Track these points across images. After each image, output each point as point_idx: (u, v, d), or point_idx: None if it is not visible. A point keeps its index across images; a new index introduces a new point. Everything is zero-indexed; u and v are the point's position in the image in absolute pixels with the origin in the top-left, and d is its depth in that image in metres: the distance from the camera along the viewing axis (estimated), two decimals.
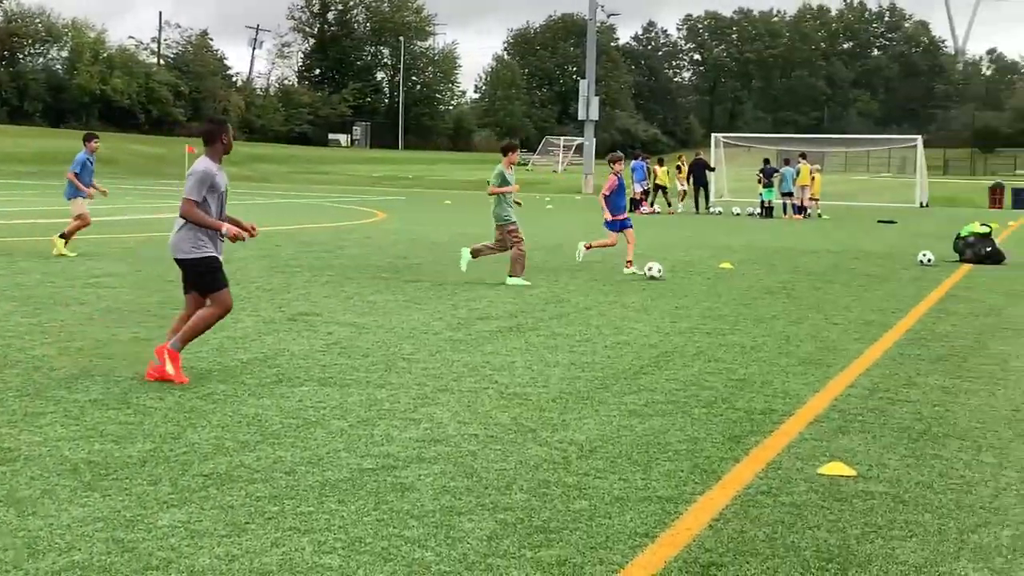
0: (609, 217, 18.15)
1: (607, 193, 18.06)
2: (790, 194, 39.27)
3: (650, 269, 16.96)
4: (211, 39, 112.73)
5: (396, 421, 7.64)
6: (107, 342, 10.46)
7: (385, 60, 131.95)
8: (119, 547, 5.08)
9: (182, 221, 8.88)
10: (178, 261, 9.03)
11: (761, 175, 40.22)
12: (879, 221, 35.47)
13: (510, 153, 16.63)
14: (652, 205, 39.79)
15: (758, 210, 39.31)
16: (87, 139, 18.74)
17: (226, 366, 9.44)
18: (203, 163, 8.86)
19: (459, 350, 10.49)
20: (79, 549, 5.04)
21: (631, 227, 18.26)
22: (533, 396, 8.53)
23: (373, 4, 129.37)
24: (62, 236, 18.05)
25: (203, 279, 8.97)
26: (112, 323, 11.57)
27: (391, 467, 6.50)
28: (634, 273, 17.43)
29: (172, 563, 4.91)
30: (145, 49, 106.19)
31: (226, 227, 8.90)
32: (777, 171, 40.08)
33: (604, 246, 18.49)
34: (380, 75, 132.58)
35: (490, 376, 9.27)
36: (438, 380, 9.07)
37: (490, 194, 16.52)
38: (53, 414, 7.57)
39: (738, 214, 39.86)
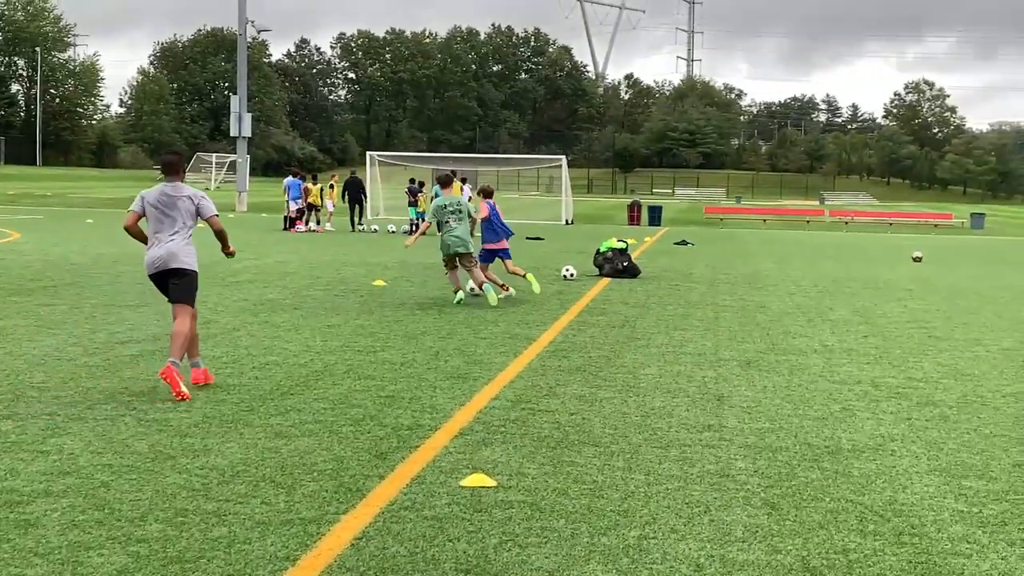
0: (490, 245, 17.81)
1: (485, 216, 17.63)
2: None
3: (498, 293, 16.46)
4: None
5: (23, 454, 7.17)
6: None
7: (20, 71, 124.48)
8: None
9: (190, 235, 9.77)
10: (180, 271, 9.65)
11: (408, 194, 41.01)
12: (528, 238, 36.73)
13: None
14: (307, 224, 39.49)
15: (407, 228, 39.95)
16: None
17: None
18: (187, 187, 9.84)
19: (96, 376, 9.98)
20: None
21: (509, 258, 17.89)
22: (174, 421, 8.24)
23: (6, 12, 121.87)
24: None
25: (195, 288, 9.84)
26: None
27: (15, 503, 6.09)
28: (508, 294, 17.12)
29: None
30: None
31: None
32: (422, 189, 40.87)
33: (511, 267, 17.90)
34: (15, 87, 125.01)
35: (129, 403, 8.88)
36: (71, 408, 8.59)
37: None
38: None
39: (393, 232, 40.32)
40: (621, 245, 22.22)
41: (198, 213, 9.71)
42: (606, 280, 20.98)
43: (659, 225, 50.62)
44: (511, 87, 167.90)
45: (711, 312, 16.21)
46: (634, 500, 6.50)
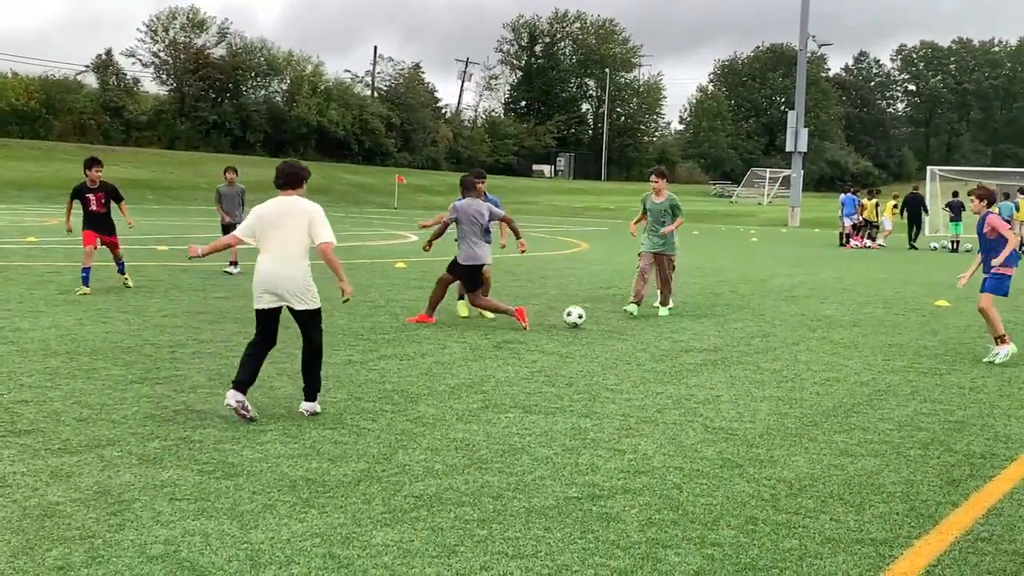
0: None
1: None
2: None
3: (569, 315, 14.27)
4: (423, 72, 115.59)
5: (601, 451, 7.66)
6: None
7: (590, 92, 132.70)
8: (335, 563, 5.25)
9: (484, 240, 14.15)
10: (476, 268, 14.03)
11: (948, 209, 39.09)
12: None
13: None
14: (863, 239, 38.77)
15: (946, 244, 38.30)
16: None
17: (435, 390, 9.65)
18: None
19: (663, 382, 10.44)
20: (297, 563, 5.24)
21: None
22: (739, 431, 8.42)
23: (580, 36, 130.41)
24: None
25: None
26: (326, 346, 11.93)
27: (596, 496, 6.52)
28: None
29: None
30: (359, 82, 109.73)
31: None
32: (964, 207, 38.84)
33: None
34: (585, 106, 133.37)
35: (695, 409, 9.20)
36: (642, 411, 9.04)
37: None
38: (273, 432, 7.90)
39: (935, 249, 38.64)
40: None
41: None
42: None
43: None
44: None
45: None
46: None
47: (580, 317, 14.12)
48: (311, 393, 8.60)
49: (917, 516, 6.33)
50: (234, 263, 19.96)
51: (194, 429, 7.91)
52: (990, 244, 12.46)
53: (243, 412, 8.16)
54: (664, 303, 15.98)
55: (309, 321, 8.61)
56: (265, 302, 8.49)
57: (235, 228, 21.58)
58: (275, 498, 6.26)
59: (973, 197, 12.71)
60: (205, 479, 6.62)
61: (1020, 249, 36.51)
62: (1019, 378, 11.27)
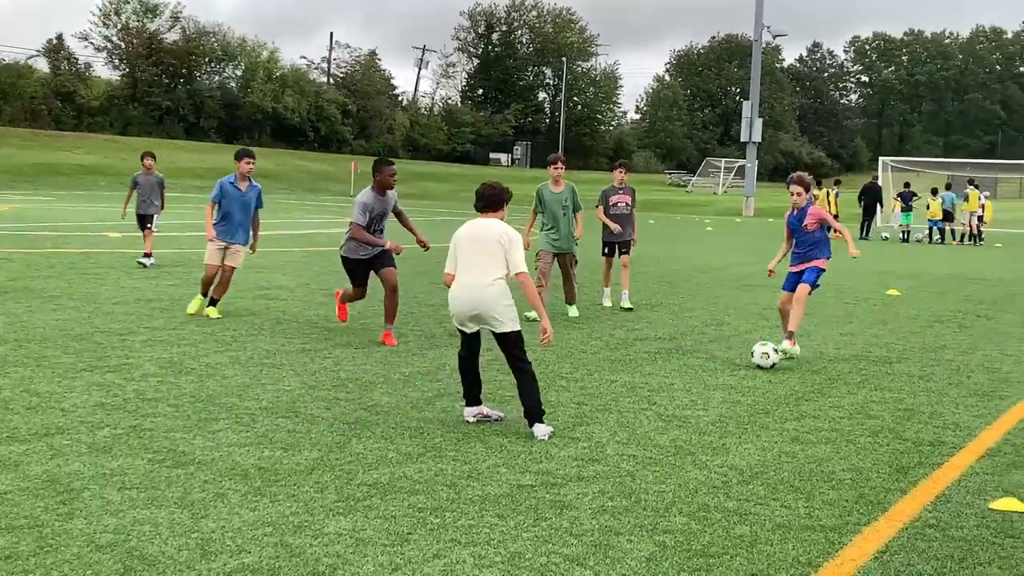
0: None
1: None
2: (950, 218, 38.43)
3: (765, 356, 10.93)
4: (379, 59, 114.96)
5: (555, 439, 7.68)
6: (275, 352, 10.77)
7: (547, 80, 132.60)
8: (287, 551, 5.23)
9: None
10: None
11: (899, 199, 39.82)
12: None
13: None
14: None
15: (900, 235, 39.10)
16: None
17: (389, 379, 9.62)
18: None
19: (617, 370, 10.47)
20: (249, 552, 5.21)
21: None
22: (692, 419, 8.47)
23: (537, 25, 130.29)
24: None
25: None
26: (280, 334, 11.92)
27: (550, 484, 6.53)
28: None
29: (338, 569, 5.03)
30: (316, 69, 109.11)
31: None
32: (915, 195, 39.66)
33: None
34: (542, 95, 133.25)
35: (648, 397, 9.24)
36: (596, 400, 9.07)
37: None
38: (225, 420, 7.84)
39: (886, 239, 39.07)
40: None
41: None
42: None
43: None
44: None
45: None
46: None
47: (765, 356, 10.91)
48: (531, 416, 7.89)
49: (866, 503, 6.39)
50: (148, 254, 18.80)
51: (144, 417, 7.84)
52: (807, 236, 11.56)
53: (487, 418, 8.19)
54: (572, 301, 14.42)
55: (510, 343, 8.00)
56: (466, 328, 8.15)
57: (151, 219, 20.04)
58: (226, 487, 6.22)
59: (800, 188, 11.51)
60: (155, 468, 6.56)
61: (968, 240, 36.96)
62: (967, 366, 11.41)
